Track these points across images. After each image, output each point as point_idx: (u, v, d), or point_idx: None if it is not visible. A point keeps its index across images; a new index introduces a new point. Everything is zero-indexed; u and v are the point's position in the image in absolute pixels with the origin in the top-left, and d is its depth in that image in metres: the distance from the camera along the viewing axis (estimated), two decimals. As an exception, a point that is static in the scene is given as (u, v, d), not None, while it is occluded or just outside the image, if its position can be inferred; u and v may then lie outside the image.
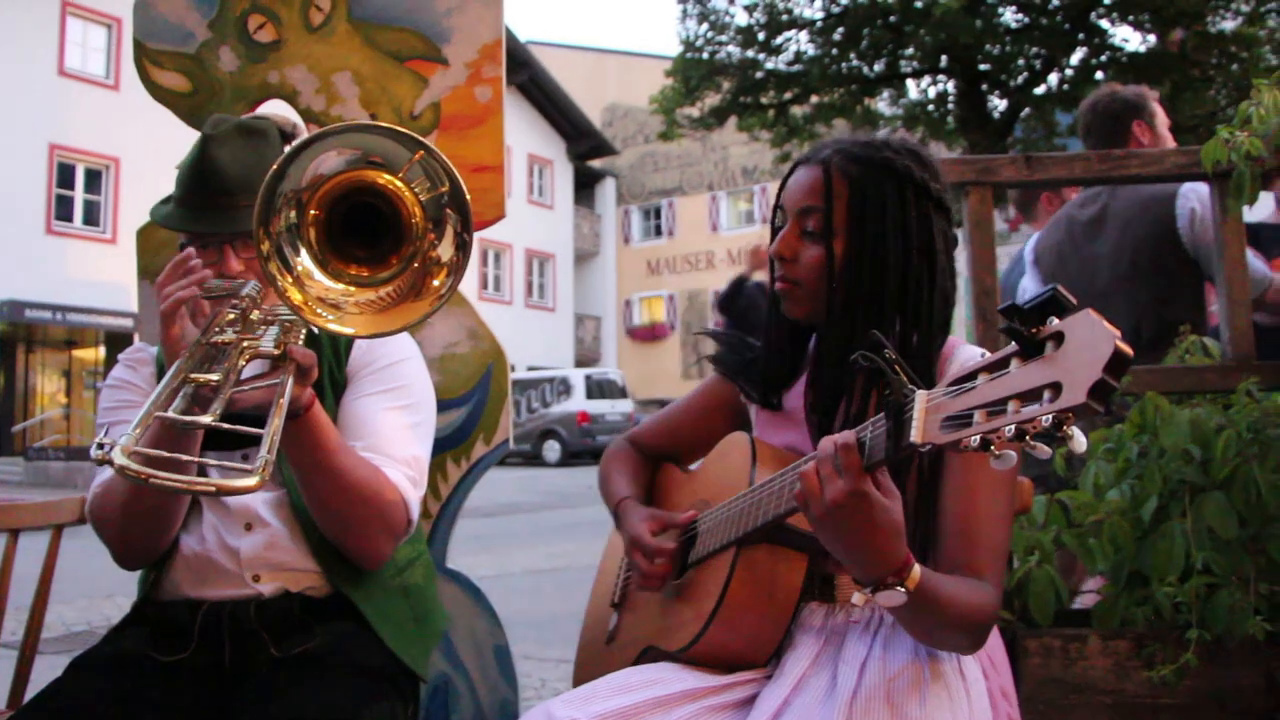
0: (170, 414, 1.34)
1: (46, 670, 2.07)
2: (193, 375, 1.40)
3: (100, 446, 1.23)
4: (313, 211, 1.38)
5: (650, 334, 36.40)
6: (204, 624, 1.73)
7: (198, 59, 2.54)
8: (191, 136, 2.48)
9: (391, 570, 1.85)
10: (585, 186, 36.79)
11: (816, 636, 1.47)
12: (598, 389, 24.43)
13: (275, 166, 1.32)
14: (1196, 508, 2.05)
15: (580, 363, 33.04)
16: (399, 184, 1.38)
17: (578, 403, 23.76)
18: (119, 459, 1.20)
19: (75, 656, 1.77)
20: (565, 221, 34.75)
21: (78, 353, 25.19)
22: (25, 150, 21.31)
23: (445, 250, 1.39)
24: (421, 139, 1.34)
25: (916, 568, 1.24)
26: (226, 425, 1.34)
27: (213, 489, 1.24)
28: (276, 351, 1.49)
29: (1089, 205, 3.28)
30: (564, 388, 24.21)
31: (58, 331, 23.62)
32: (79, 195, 22.66)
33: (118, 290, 21.87)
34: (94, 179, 22.92)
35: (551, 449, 23.62)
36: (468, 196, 1.36)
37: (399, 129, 1.35)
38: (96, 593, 6.34)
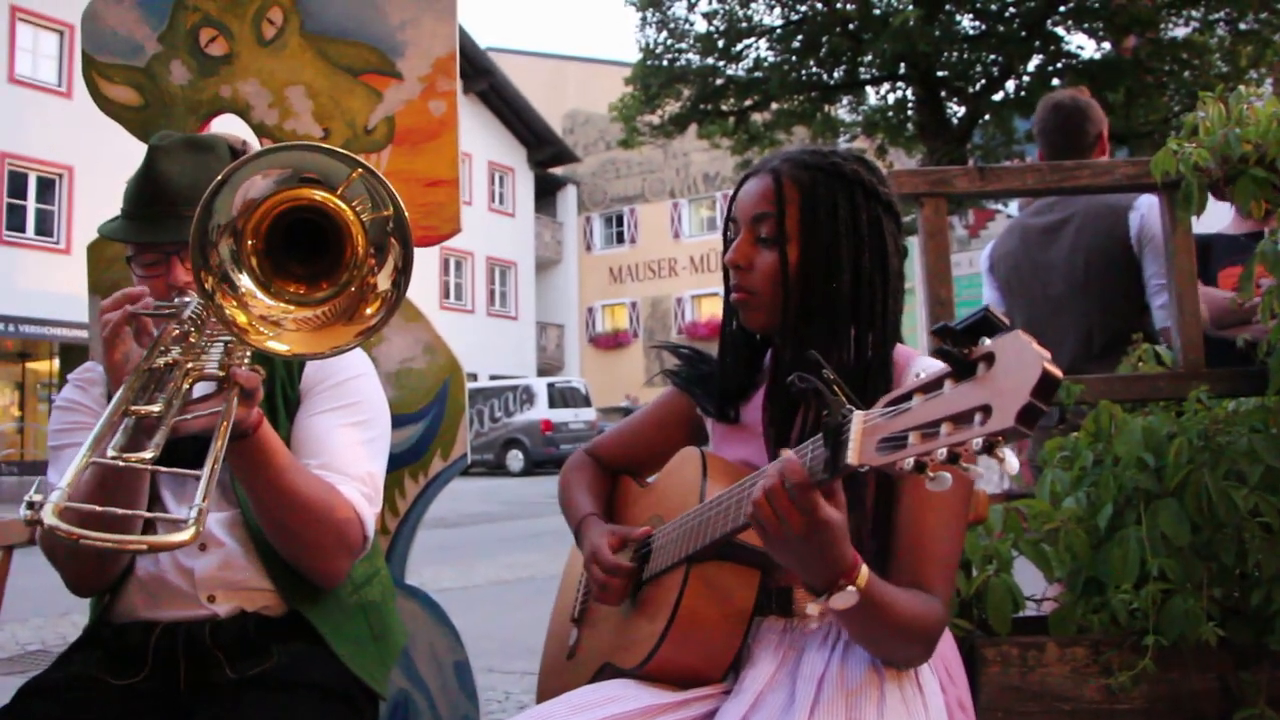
0: (109, 458, 1.30)
1: (0, 691, 2.04)
2: (133, 407, 1.37)
3: (30, 505, 1.19)
4: (249, 239, 1.37)
5: (613, 341, 36.41)
6: (158, 646, 1.70)
7: (148, 72, 2.51)
8: (144, 145, 2.46)
9: (349, 588, 1.83)
10: (546, 194, 36.75)
11: (775, 651, 1.47)
12: (561, 397, 24.42)
13: (200, 205, 1.31)
14: (1151, 515, 2.07)
15: (543, 371, 33.00)
16: (338, 201, 1.37)
17: (541, 411, 23.72)
18: (49, 519, 1.17)
19: (25, 682, 1.73)
20: (527, 229, 34.70)
21: (31, 365, 24.82)
22: (-24, 159, 21.02)
23: (383, 281, 1.39)
24: (358, 158, 1.34)
25: (864, 568, 1.26)
26: (165, 469, 1.33)
27: (144, 547, 1.23)
28: (221, 373, 1.47)
29: (1044, 213, 3.30)
30: (527, 396, 24.16)
31: (10, 343, 23.26)
32: (31, 205, 22.33)
33: (72, 301, 21.46)
34: (46, 188, 22.60)
35: (515, 458, 23.57)
36: (409, 229, 1.36)
37: (333, 148, 1.35)
38: (51, 610, 6.23)
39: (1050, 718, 2.09)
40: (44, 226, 22.49)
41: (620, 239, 37.47)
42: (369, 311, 1.39)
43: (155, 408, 1.37)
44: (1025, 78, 16.71)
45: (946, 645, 1.55)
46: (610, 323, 37.14)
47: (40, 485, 1.72)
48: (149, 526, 1.66)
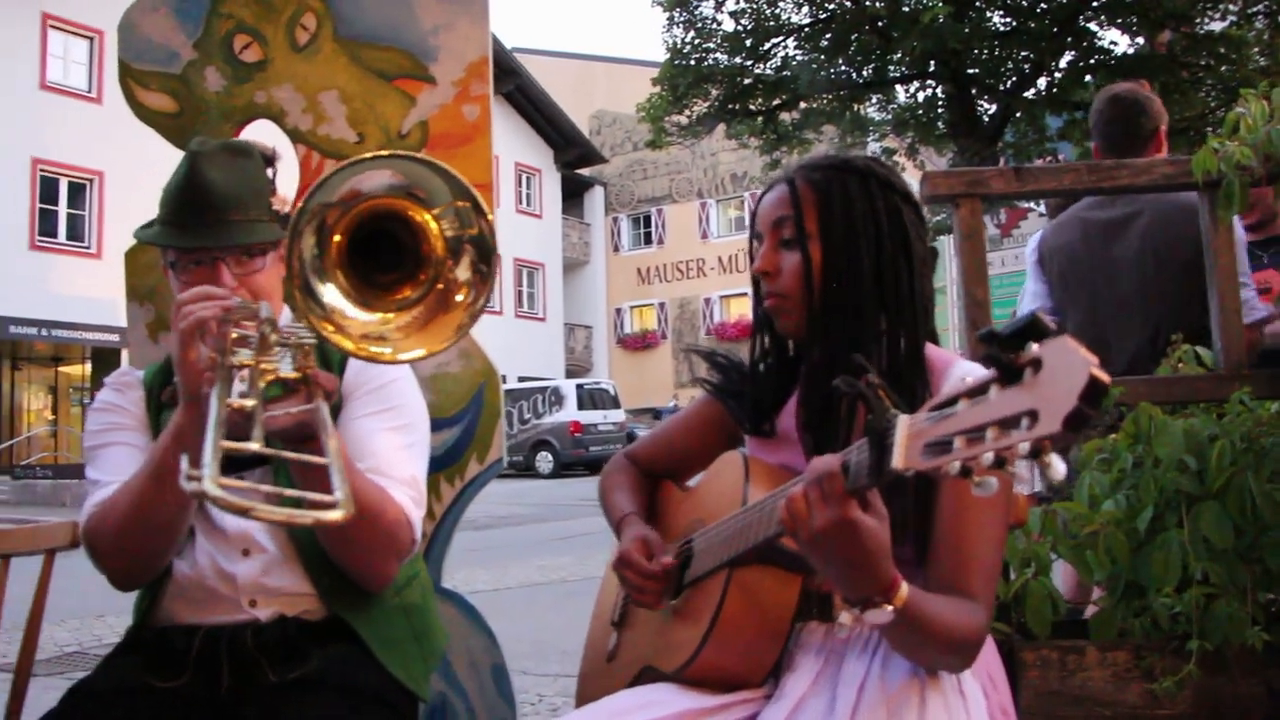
0: (232, 444, 1.32)
1: (39, 691, 2.07)
2: (230, 402, 1.40)
3: (190, 479, 1.21)
4: (335, 240, 1.39)
5: (641, 343, 36.44)
6: (201, 650, 1.72)
7: (183, 79, 2.53)
8: (175, 150, 2.48)
9: (390, 590, 1.84)
10: (574, 195, 36.83)
11: (815, 656, 1.47)
12: (590, 399, 24.42)
13: (290, 229, 1.35)
14: (1193, 518, 2.05)
15: (571, 373, 33.05)
16: (429, 219, 1.40)
17: (570, 413, 23.73)
18: (212, 490, 1.19)
19: (72, 684, 1.76)
20: (554, 231, 34.79)
21: (64, 369, 25.14)
22: (8, 165, 21.29)
23: (462, 272, 1.43)
24: (474, 191, 1.37)
25: (904, 587, 1.25)
26: (291, 454, 1.37)
27: (310, 521, 1.25)
28: (296, 375, 1.50)
29: (1105, 207, 3.21)
30: (556, 398, 24.18)
31: (43, 348, 23.56)
32: (63, 210, 22.63)
33: (103, 306, 21.80)
34: (77, 193, 22.89)
35: (544, 460, 23.60)
36: (492, 245, 1.41)
37: (461, 179, 1.38)
38: (87, 613, 6.30)
39: (1091, 722, 2.07)
40: (75, 231, 22.79)
41: (648, 240, 37.49)
42: (459, 298, 1.44)
43: (249, 402, 1.40)
44: (1057, 74, 16.54)
45: (988, 650, 1.53)
46: (638, 324, 37.17)
47: (86, 485, 1.76)
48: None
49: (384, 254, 1.43)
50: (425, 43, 2.46)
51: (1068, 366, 0.92)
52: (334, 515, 1.23)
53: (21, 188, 21.68)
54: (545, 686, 4.54)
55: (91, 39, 22.96)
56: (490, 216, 1.40)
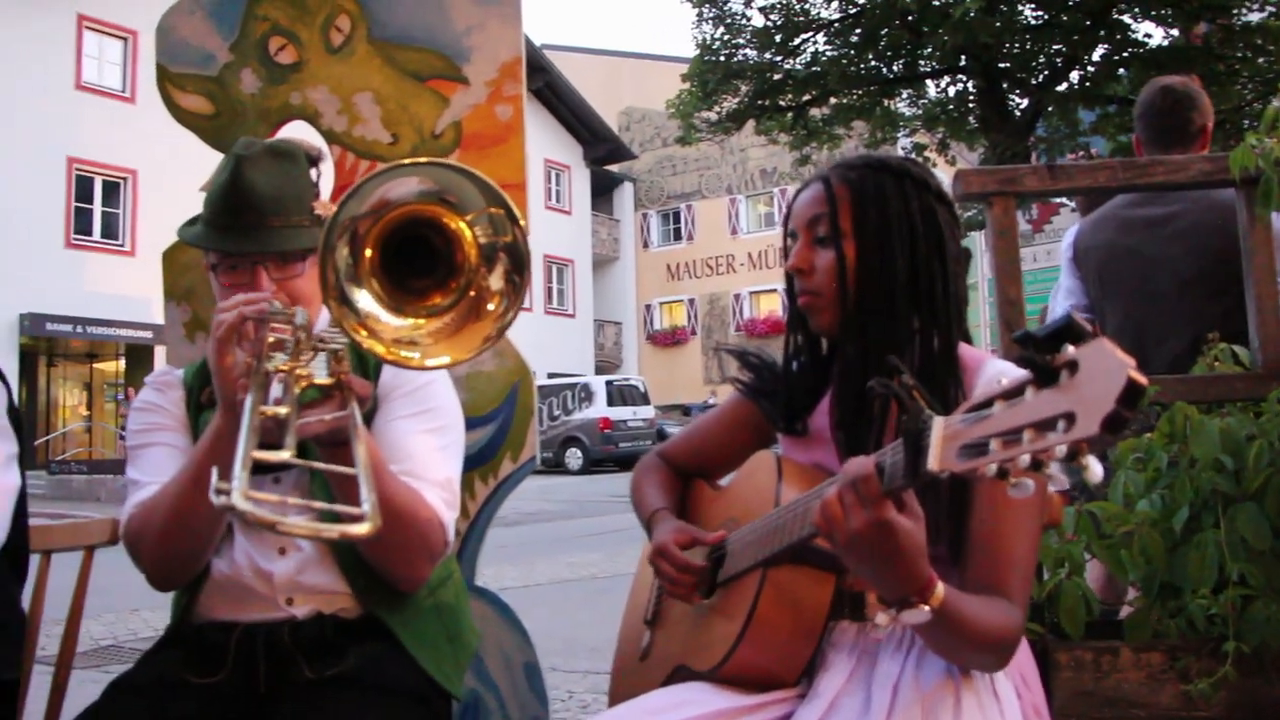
0: (262, 454, 1.33)
1: (75, 685, 2.10)
2: (263, 409, 1.41)
3: (219, 493, 1.22)
4: (368, 249, 1.40)
5: (671, 339, 36.42)
6: (239, 646, 1.74)
7: (220, 81, 2.56)
8: (207, 149, 2.51)
9: (424, 590, 1.85)
10: (603, 191, 36.84)
11: (849, 656, 1.47)
12: (619, 395, 24.42)
13: (322, 240, 1.35)
14: (1229, 518, 2.03)
15: (601, 369, 33.08)
16: (462, 226, 1.41)
17: (599, 409, 23.75)
18: (241, 504, 1.20)
19: (113, 679, 1.78)
20: (583, 227, 34.82)
21: (98, 365, 25.39)
22: (44, 164, 21.54)
23: (496, 281, 1.43)
24: (507, 198, 1.37)
25: (940, 586, 1.25)
26: (320, 465, 1.36)
27: (336, 535, 1.25)
28: (330, 381, 1.51)
29: (1144, 204, 3.16)
30: (585, 394, 24.20)
31: (78, 344, 23.81)
32: (97, 208, 22.88)
33: (137, 303, 22.04)
34: (112, 191, 23.13)
35: (574, 456, 23.63)
36: (525, 253, 1.41)
37: (494, 185, 1.38)
38: (123, 608, 6.39)
39: (1126, 724, 2.06)
40: (109, 230, 23.03)
41: (677, 236, 37.46)
42: (491, 306, 1.44)
43: (282, 410, 1.41)
44: (1090, 68, 16.40)
45: (1021, 651, 1.53)
46: (668, 320, 37.15)
47: (126, 484, 1.78)
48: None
49: (419, 259, 1.43)
50: (458, 43, 2.48)
51: (1105, 369, 0.92)
52: (360, 529, 1.23)
53: (57, 186, 21.93)
54: (575, 683, 4.56)
55: (125, 39, 23.19)
56: (523, 223, 1.40)
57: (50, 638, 2.29)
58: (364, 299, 1.41)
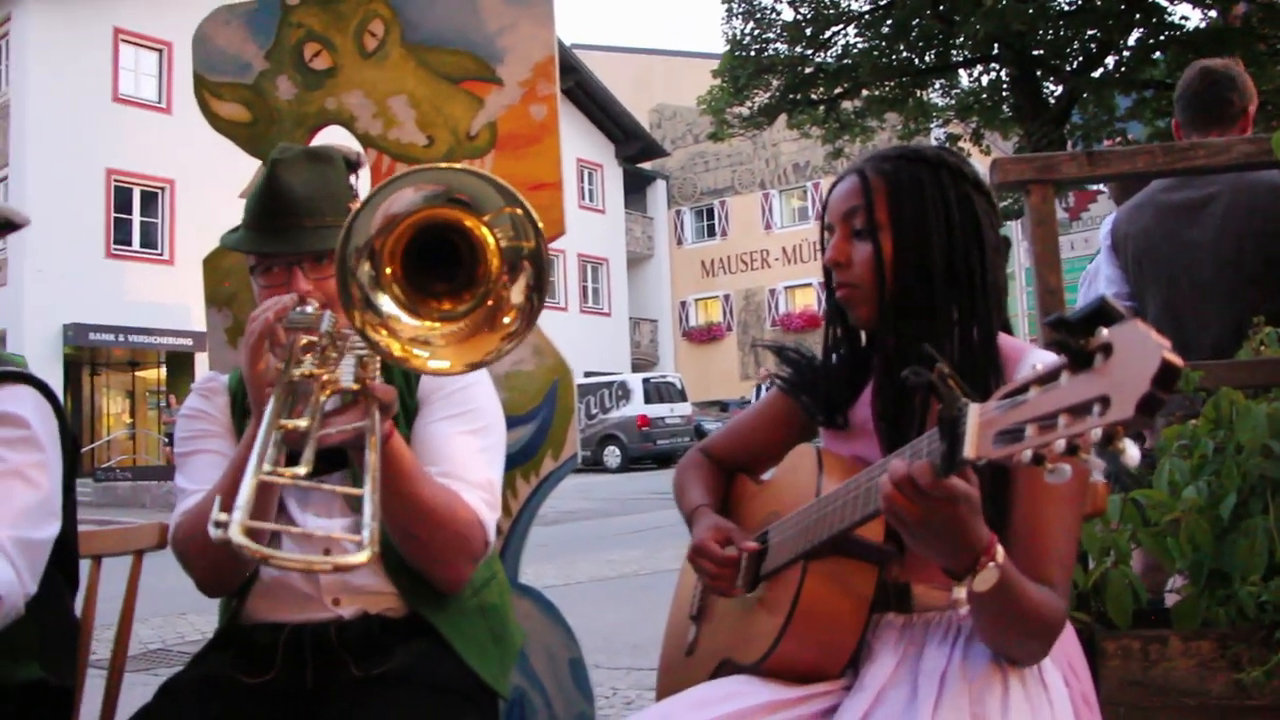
0: (268, 476, 1.34)
1: (126, 689, 2.14)
2: (282, 421, 1.41)
3: (218, 525, 1.23)
4: (388, 267, 1.40)
5: (707, 335, 36.37)
6: (287, 646, 1.75)
7: (256, 89, 2.58)
8: (248, 158, 2.53)
9: (468, 591, 1.86)
10: (636, 189, 36.83)
11: (894, 648, 1.47)
12: (656, 392, 24.40)
13: (343, 230, 1.34)
14: (1278, 504, 2.01)
15: (637, 366, 33.07)
16: (484, 229, 1.40)
17: (637, 407, 23.73)
18: (237, 538, 1.21)
19: (164, 680, 1.81)
20: (617, 225, 34.83)
21: (140, 373, 25.68)
22: (84, 176, 21.86)
23: (516, 295, 1.42)
24: (522, 198, 1.36)
25: (998, 545, 1.26)
26: (326, 486, 1.37)
27: (329, 568, 1.25)
28: (356, 387, 1.50)
29: (1180, 188, 3.12)
30: (622, 392, 24.20)
31: (120, 353, 24.11)
32: (136, 218, 23.16)
33: (176, 311, 22.30)
34: (150, 201, 23.41)
35: (612, 454, 23.63)
36: (546, 261, 1.39)
37: (498, 179, 1.37)
38: (171, 611, 6.47)
39: (1175, 713, 2.03)
40: (148, 239, 23.30)
41: (711, 232, 37.40)
42: (506, 320, 1.42)
43: (302, 422, 1.41)
44: (1125, 52, 16.20)
45: (1069, 639, 1.53)
46: (703, 316, 37.10)
47: (176, 489, 1.79)
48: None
49: (443, 263, 1.43)
50: (491, 45, 2.49)
51: (1139, 350, 0.91)
52: (354, 559, 1.24)
53: (97, 198, 22.23)
54: (618, 680, 4.56)
55: (161, 51, 23.47)
56: (542, 225, 1.39)
57: (100, 642, 2.33)
58: (386, 303, 1.41)
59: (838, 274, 1.57)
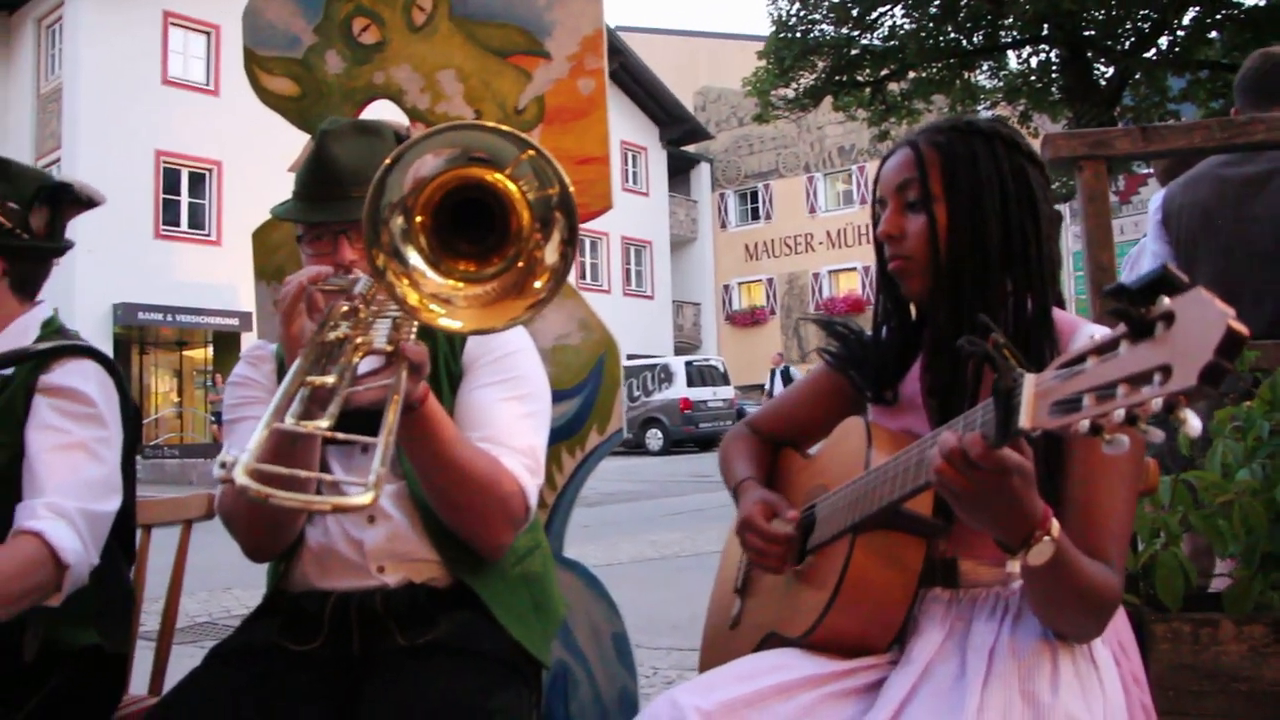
0: (287, 425, 1.34)
1: (172, 660, 2.18)
2: (309, 379, 1.42)
3: (222, 465, 1.24)
4: (418, 217, 1.39)
5: (750, 319, 36.27)
6: (333, 614, 1.77)
7: (305, 63, 2.60)
8: (294, 138, 2.55)
9: (511, 559, 1.87)
10: (680, 172, 36.74)
11: (941, 623, 1.46)
12: (699, 375, 24.38)
13: (373, 184, 1.33)
14: (1336, 487, 1.97)
15: (680, 350, 33.06)
16: (505, 180, 1.38)
17: (679, 390, 23.73)
18: (240, 478, 1.21)
19: (212, 646, 1.84)
20: (661, 208, 34.78)
21: (188, 353, 26.00)
22: (134, 158, 22.15)
23: (550, 254, 1.40)
24: (529, 139, 1.34)
25: (1053, 518, 1.24)
26: (341, 435, 1.36)
27: (328, 507, 1.25)
28: (389, 348, 1.50)
29: (1241, 163, 3.05)
30: (665, 375, 24.19)
31: (168, 332, 24.42)
32: (184, 199, 23.43)
33: (223, 291, 22.57)
34: (197, 182, 23.67)
35: (654, 437, 23.65)
36: (575, 204, 1.37)
37: (505, 128, 1.36)
38: (215, 585, 6.58)
39: (1225, 698, 2.01)
40: (196, 220, 23.57)
41: (755, 215, 37.24)
42: (537, 285, 1.40)
43: (329, 379, 1.41)
44: (1179, 32, 15.90)
45: (1119, 618, 1.51)
46: (747, 300, 36.99)
47: (230, 445, 1.82)
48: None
49: (473, 223, 1.42)
50: (540, 19, 2.49)
51: (1202, 319, 0.90)
52: (356, 500, 1.23)
53: (146, 179, 22.51)
54: (659, 659, 4.58)
55: (209, 33, 23.70)
56: (559, 166, 1.36)
57: (147, 614, 2.37)
58: (413, 256, 1.40)
59: (891, 247, 1.55)
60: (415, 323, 1.50)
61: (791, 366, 24.66)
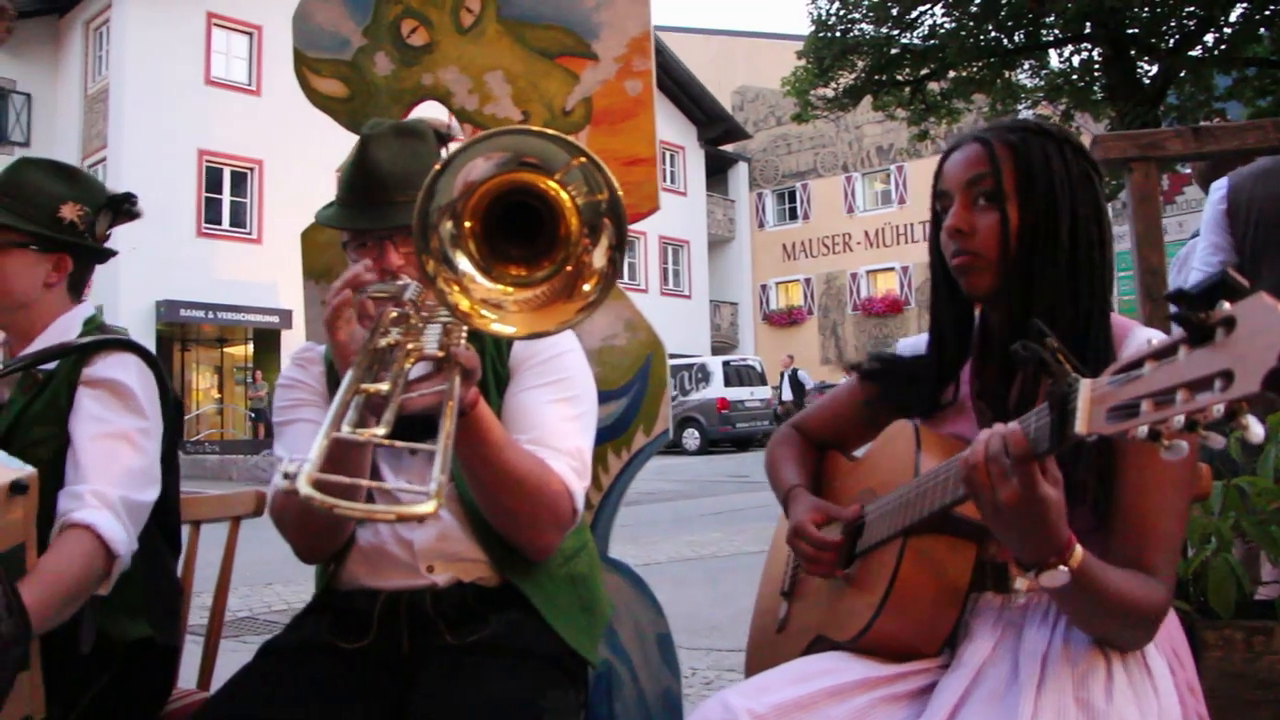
0: (345, 434, 1.35)
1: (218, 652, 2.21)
2: (364, 386, 1.42)
3: (286, 476, 1.24)
4: (467, 222, 1.39)
5: (787, 319, 36.13)
6: (383, 612, 1.79)
7: (354, 65, 2.62)
8: (334, 137, 2.58)
9: (558, 559, 1.88)
10: (717, 172, 36.67)
11: (993, 627, 1.45)
12: (736, 375, 24.32)
13: (423, 189, 1.34)
14: (1393, 494, 1.94)
15: (717, 349, 33.00)
16: (555, 186, 1.38)
17: (716, 390, 23.67)
18: (303, 489, 1.21)
19: (263, 643, 1.86)
20: (698, 208, 34.72)
21: (229, 350, 26.26)
22: (178, 157, 22.45)
23: (598, 258, 1.40)
24: (582, 146, 1.35)
25: (1079, 548, 1.24)
26: (400, 443, 1.37)
27: (392, 517, 1.26)
28: (440, 354, 1.50)
29: None
30: (702, 375, 24.15)
31: (209, 330, 24.68)
32: (226, 198, 23.68)
33: (264, 289, 22.79)
34: (239, 181, 23.91)
35: (691, 437, 23.60)
36: (624, 210, 1.37)
37: (557, 134, 1.36)
38: (256, 580, 6.65)
39: (1278, 708, 1.98)
40: (238, 218, 23.81)
41: (793, 215, 37.09)
42: (586, 288, 1.41)
43: (384, 386, 1.41)
44: (1227, 30, 15.66)
45: (1173, 625, 1.50)
46: (784, 300, 36.85)
47: (286, 449, 1.84)
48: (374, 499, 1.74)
49: (522, 227, 1.42)
50: (588, 20, 2.49)
51: (1265, 324, 0.89)
52: (419, 509, 1.23)
53: (189, 178, 22.77)
54: (698, 660, 4.58)
55: (251, 34, 23.93)
56: (609, 172, 1.35)
57: (192, 610, 2.40)
58: (463, 261, 1.40)
59: (958, 241, 1.53)
60: (469, 330, 1.51)
61: (800, 370, 24.57)
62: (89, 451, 1.82)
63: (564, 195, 1.39)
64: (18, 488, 1.60)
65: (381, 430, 1.34)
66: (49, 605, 1.62)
